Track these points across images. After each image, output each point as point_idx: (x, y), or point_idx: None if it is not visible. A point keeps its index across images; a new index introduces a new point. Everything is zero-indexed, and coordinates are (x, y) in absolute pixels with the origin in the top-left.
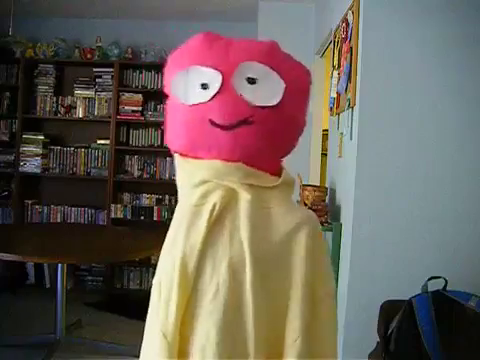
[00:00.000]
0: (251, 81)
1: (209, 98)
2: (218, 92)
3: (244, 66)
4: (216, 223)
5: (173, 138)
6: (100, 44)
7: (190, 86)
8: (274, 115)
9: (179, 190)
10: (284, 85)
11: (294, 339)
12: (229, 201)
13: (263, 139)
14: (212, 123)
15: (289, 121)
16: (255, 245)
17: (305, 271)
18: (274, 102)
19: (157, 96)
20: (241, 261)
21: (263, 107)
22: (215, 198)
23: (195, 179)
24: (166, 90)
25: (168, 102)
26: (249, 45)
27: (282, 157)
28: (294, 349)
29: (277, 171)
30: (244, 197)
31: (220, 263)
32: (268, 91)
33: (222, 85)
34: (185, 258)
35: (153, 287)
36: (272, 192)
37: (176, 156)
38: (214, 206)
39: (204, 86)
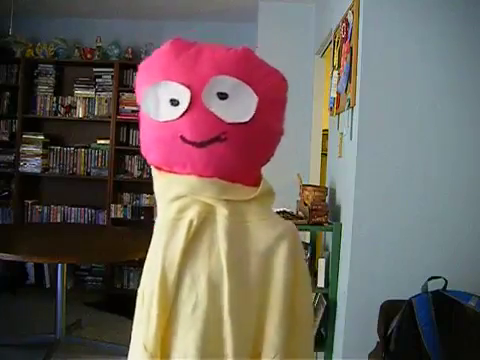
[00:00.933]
0: (222, 96)
1: (179, 115)
2: (188, 109)
3: (214, 81)
4: (194, 238)
5: (147, 151)
6: (100, 44)
7: (159, 102)
8: (248, 129)
9: (157, 202)
10: (256, 99)
11: (272, 356)
12: (206, 216)
13: (237, 154)
14: (184, 140)
15: (264, 133)
16: (233, 259)
17: (284, 284)
18: (246, 118)
19: None
20: (219, 275)
21: (236, 123)
22: (192, 214)
23: (171, 193)
24: (137, 102)
25: (140, 114)
26: (219, 55)
27: (260, 167)
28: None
29: (255, 181)
30: (221, 212)
31: (198, 277)
32: (240, 106)
33: (191, 101)
34: (164, 273)
35: (138, 296)
36: (250, 205)
37: (152, 168)
38: (191, 222)
39: (173, 102)
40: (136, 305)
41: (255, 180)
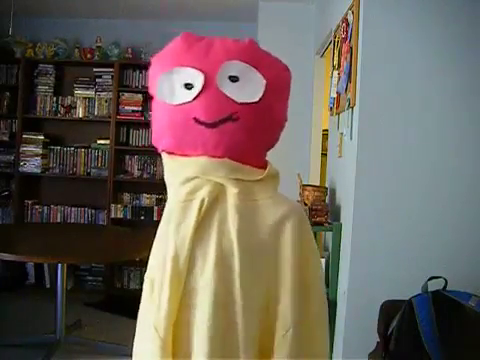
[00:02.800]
0: (233, 79)
1: (193, 97)
2: (201, 91)
3: (226, 65)
4: (205, 217)
5: (160, 137)
6: (100, 44)
7: (174, 86)
8: (257, 111)
9: (168, 188)
10: (265, 81)
11: (285, 330)
12: (217, 195)
13: (247, 134)
14: (197, 121)
15: (271, 116)
16: (243, 236)
17: (293, 259)
18: (256, 98)
19: None
20: (230, 252)
21: (246, 103)
22: (203, 193)
23: (182, 176)
24: (151, 92)
25: (153, 103)
26: (229, 44)
27: (266, 151)
28: (286, 341)
29: (262, 164)
30: (231, 191)
31: (210, 256)
32: (250, 88)
33: (205, 84)
34: (176, 254)
35: (145, 283)
36: (258, 185)
37: (163, 155)
38: (203, 201)
39: (188, 86)
40: (143, 291)
41: (262, 163)
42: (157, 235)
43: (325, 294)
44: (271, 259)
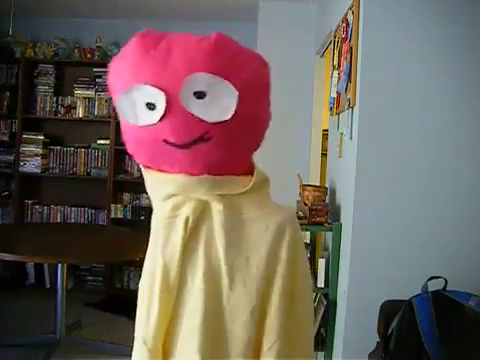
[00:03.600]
0: (199, 95)
1: (157, 120)
2: (165, 112)
3: (189, 80)
4: (191, 234)
5: (132, 153)
6: (100, 44)
7: (135, 106)
8: (231, 125)
9: (151, 199)
10: (236, 93)
11: (272, 341)
12: (202, 211)
13: (224, 150)
14: (167, 142)
15: (250, 123)
16: (231, 253)
17: (284, 274)
18: (228, 116)
19: None
20: (217, 270)
21: (217, 123)
22: (187, 211)
23: (163, 192)
24: (113, 102)
25: (119, 116)
26: (191, 49)
27: (251, 154)
28: (271, 353)
29: (248, 169)
30: (216, 207)
31: (198, 273)
32: (220, 104)
33: (168, 104)
34: (166, 269)
35: (139, 291)
36: (245, 197)
37: (141, 168)
38: (187, 219)
39: (150, 106)
40: (138, 302)
41: (247, 168)
42: (148, 248)
43: (312, 306)
44: (260, 275)
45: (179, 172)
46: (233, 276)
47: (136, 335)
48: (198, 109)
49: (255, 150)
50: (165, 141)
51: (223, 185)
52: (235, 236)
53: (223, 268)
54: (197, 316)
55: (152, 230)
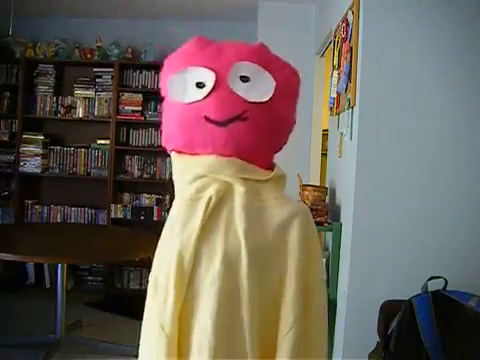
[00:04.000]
0: (244, 79)
1: (204, 96)
2: (212, 90)
3: (237, 66)
4: (212, 215)
5: (170, 137)
6: (100, 44)
7: (186, 85)
8: (266, 111)
9: (175, 187)
10: (275, 83)
11: (287, 330)
12: (224, 194)
13: (256, 134)
14: (207, 119)
15: (279, 118)
16: (250, 236)
17: (299, 259)
18: (266, 98)
19: (157, 96)
20: (236, 252)
21: (256, 103)
22: (211, 191)
23: (191, 175)
24: (162, 93)
25: (164, 104)
26: (240, 47)
27: (274, 153)
28: (288, 340)
29: (269, 166)
30: (239, 190)
31: (216, 254)
32: (260, 88)
33: (216, 83)
34: (181, 251)
35: (149, 283)
36: (265, 185)
37: (172, 154)
38: (210, 199)
39: (199, 85)
40: (148, 292)
41: (269, 165)
42: (163, 233)
43: (326, 295)
44: (277, 259)
45: (211, 153)
46: (252, 259)
47: (148, 322)
48: (241, 89)
49: (278, 150)
50: (206, 118)
51: (248, 170)
52: (255, 219)
53: (242, 250)
54: (213, 300)
55: (170, 215)
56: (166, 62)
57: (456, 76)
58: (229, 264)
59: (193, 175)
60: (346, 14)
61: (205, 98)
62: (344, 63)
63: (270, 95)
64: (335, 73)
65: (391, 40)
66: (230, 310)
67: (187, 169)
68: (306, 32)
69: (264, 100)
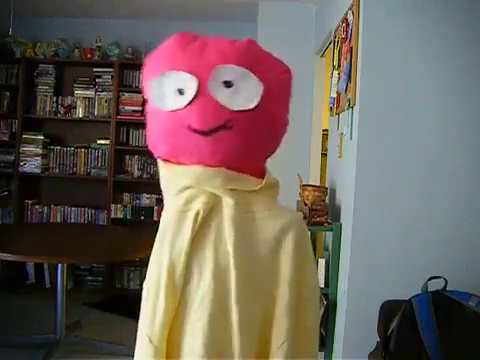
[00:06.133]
0: (227, 84)
1: (186, 104)
2: (195, 97)
3: (220, 69)
4: (201, 228)
5: (155, 144)
6: (100, 44)
7: (166, 92)
8: (253, 118)
9: (164, 195)
10: (262, 87)
11: (280, 343)
12: (213, 206)
13: (243, 143)
14: (191, 129)
15: (270, 122)
16: (240, 249)
17: (291, 274)
18: (252, 105)
19: None
20: (227, 267)
21: (241, 111)
22: (199, 204)
23: (178, 185)
24: (145, 95)
25: (147, 108)
26: (225, 46)
27: (266, 158)
28: (280, 353)
29: (261, 173)
30: (227, 202)
31: (206, 268)
32: (245, 94)
33: (198, 90)
34: (172, 265)
35: (143, 291)
36: (256, 196)
37: (159, 162)
38: (198, 213)
39: (180, 91)
40: (142, 301)
41: (260, 172)
42: (154, 246)
43: (319, 307)
44: (269, 273)
45: (197, 163)
46: (240, 273)
47: (140, 333)
48: (224, 96)
49: (270, 154)
50: (189, 127)
51: (237, 180)
52: (244, 232)
53: (232, 264)
54: (204, 313)
55: (160, 227)
56: (146, 63)
57: (456, 76)
58: (220, 278)
59: (180, 186)
60: (346, 14)
61: (187, 106)
62: (344, 63)
63: (256, 102)
64: (335, 73)
65: (391, 40)
66: (221, 324)
67: (174, 179)
68: (306, 32)
69: (250, 108)
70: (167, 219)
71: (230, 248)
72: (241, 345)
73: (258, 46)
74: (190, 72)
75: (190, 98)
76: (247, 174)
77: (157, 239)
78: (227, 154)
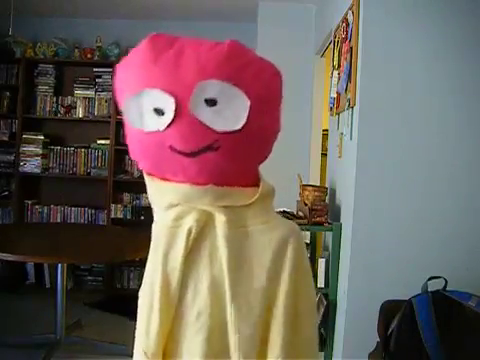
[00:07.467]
0: (210, 103)
1: (165, 126)
2: (174, 119)
3: (200, 87)
4: (194, 246)
5: (137, 159)
6: (100, 44)
7: (143, 112)
8: (241, 135)
9: (152, 209)
10: (248, 102)
11: (276, 358)
12: (206, 222)
13: (232, 161)
14: (173, 149)
15: (259, 134)
16: (235, 266)
17: (287, 289)
18: (238, 126)
19: None
20: (221, 283)
21: (227, 132)
22: (190, 222)
23: (165, 201)
24: (119, 107)
25: (124, 121)
26: (203, 55)
27: (258, 165)
28: None
29: (254, 180)
30: (220, 219)
31: (201, 285)
32: (231, 113)
33: (177, 110)
34: (166, 284)
35: (139, 300)
36: (250, 209)
37: (144, 174)
38: (190, 230)
39: (158, 112)
40: (138, 308)
41: (252, 180)
42: (148, 259)
43: (316, 322)
44: (265, 289)
45: (183, 181)
46: (236, 289)
47: (136, 347)
48: (208, 117)
49: (262, 162)
50: (171, 148)
51: (227, 196)
52: (238, 249)
53: (226, 281)
54: (200, 330)
55: (153, 238)
56: (118, 70)
57: (456, 76)
58: (215, 295)
59: (168, 202)
60: (346, 14)
61: (166, 128)
62: (344, 63)
63: (243, 121)
64: (335, 73)
65: (391, 40)
66: (217, 340)
67: (161, 194)
68: (306, 32)
69: (235, 129)
70: (158, 233)
71: (225, 266)
72: (239, 357)
73: (241, 48)
74: (166, 91)
75: (169, 120)
76: (239, 186)
77: (151, 252)
78: (215, 173)
